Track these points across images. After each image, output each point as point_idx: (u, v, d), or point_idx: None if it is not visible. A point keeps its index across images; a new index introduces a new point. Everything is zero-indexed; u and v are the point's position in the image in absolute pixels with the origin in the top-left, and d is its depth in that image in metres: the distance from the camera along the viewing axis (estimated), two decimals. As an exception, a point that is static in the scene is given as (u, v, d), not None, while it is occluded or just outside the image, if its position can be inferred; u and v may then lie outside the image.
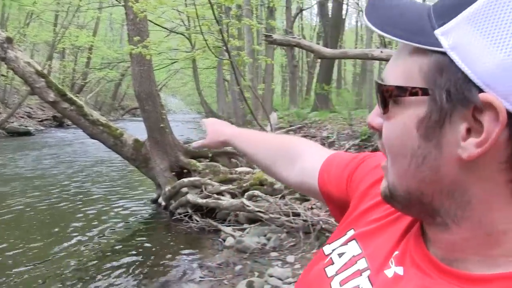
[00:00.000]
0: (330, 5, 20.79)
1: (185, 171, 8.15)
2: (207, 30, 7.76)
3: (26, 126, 21.82)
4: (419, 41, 0.48)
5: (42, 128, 23.58)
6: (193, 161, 8.18)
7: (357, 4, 18.93)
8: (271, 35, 7.34)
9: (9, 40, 6.92)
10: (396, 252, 0.61)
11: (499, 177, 0.47)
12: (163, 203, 7.65)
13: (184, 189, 7.42)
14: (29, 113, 24.71)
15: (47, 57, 25.21)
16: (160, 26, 11.32)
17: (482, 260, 0.50)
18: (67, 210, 7.66)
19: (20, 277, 4.83)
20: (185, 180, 7.52)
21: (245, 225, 6.31)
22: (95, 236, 6.32)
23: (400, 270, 0.58)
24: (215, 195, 7.00)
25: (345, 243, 0.70)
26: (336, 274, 0.67)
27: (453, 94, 0.46)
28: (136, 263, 5.31)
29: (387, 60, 6.88)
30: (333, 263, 0.69)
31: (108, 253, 5.66)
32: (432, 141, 0.49)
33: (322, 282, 0.68)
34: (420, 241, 0.58)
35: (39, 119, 24.89)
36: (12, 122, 21.34)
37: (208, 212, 6.90)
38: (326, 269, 0.69)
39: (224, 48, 6.65)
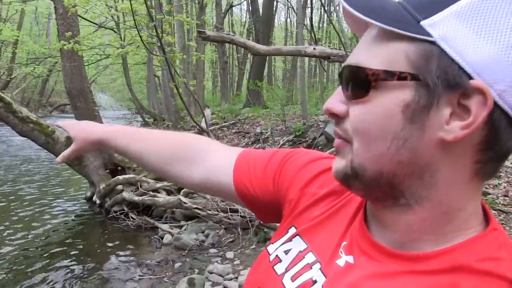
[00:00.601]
0: (260, 1, 21.03)
1: (119, 168, 8.04)
2: (140, 25, 7.67)
3: None
4: (406, 29, 0.51)
5: (-40, 125, 22.11)
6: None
7: (287, 0, 19.30)
8: (204, 32, 7.38)
9: None
10: (344, 243, 0.64)
11: (467, 159, 0.52)
12: (98, 201, 7.50)
13: (119, 187, 7.32)
14: None
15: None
16: (90, 21, 11.01)
17: (435, 238, 0.55)
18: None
19: None
20: (120, 177, 7.42)
21: (182, 222, 6.33)
22: (28, 237, 6.11)
23: (350, 259, 0.61)
24: (151, 193, 6.97)
25: (289, 240, 0.72)
26: (286, 271, 0.68)
27: (444, 80, 0.49)
28: (73, 264, 5.20)
29: (320, 57, 7.11)
30: (280, 261, 0.70)
31: (44, 254, 5.49)
32: (417, 124, 0.51)
33: (273, 280, 0.69)
34: (365, 229, 0.62)
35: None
36: None
37: (145, 209, 6.87)
38: (274, 267, 0.70)
39: (158, 44, 6.62)
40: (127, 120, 31.52)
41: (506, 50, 0.47)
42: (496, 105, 0.49)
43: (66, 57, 7.29)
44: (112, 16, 13.88)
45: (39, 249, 5.72)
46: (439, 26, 0.50)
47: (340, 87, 0.58)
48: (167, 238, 5.84)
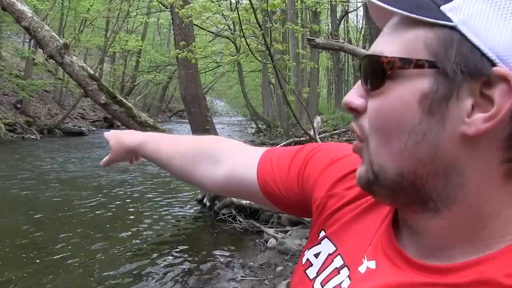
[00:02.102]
0: (377, 7, 20.48)
1: (229, 172, 8.32)
2: (250, 34, 7.90)
3: (79, 127, 22.80)
4: (426, 14, 0.47)
5: (94, 128, 24.50)
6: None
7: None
8: (314, 39, 7.37)
9: (65, 46, 7.28)
10: (370, 247, 0.61)
11: (495, 156, 0.46)
12: (208, 204, 7.83)
13: (228, 190, 7.56)
14: (82, 114, 25.73)
15: (99, 61, 26.19)
16: (206, 31, 11.58)
17: (468, 246, 0.50)
18: (115, 209, 7.96)
19: (72, 273, 5.09)
20: (229, 181, 7.67)
21: (288, 227, 6.38)
22: (142, 234, 6.56)
23: (372, 264, 0.58)
24: (259, 197, 7.10)
25: (318, 242, 0.69)
26: (317, 275, 0.66)
27: (464, 67, 0.45)
28: (181, 261, 5.49)
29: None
30: (311, 265, 0.68)
31: (156, 251, 5.86)
32: (436, 117, 0.47)
33: (305, 285, 0.67)
34: (391, 233, 0.58)
35: (91, 120, 25.89)
36: (67, 123, 22.31)
37: (252, 213, 7.01)
38: (306, 271, 0.68)
39: (267, 52, 6.76)
40: (242, 126, 32.56)
41: None
42: None
43: (182, 65, 7.74)
44: (228, 25, 14.46)
45: (152, 245, 6.11)
46: (460, 10, 0.45)
47: (359, 81, 0.55)
48: (272, 242, 5.91)
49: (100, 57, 26.60)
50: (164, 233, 6.77)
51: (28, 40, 21.03)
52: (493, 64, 0.44)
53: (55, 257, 5.44)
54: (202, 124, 8.08)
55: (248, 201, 7.02)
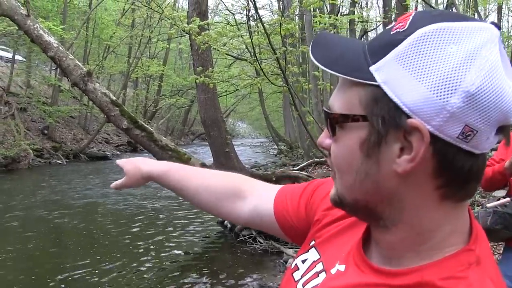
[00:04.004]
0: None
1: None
2: (268, 57, 8.05)
3: (104, 151, 23.24)
4: (357, 76, 0.58)
5: (118, 152, 24.92)
6: (258, 184, 8.40)
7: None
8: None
9: (89, 73, 7.55)
10: (343, 255, 0.73)
11: (428, 185, 0.58)
12: (229, 225, 7.90)
13: (248, 212, 7.62)
14: (107, 139, 26.21)
15: (122, 86, 26.75)
16: (226, 54, 11.80)
17: (415, 256, 0.61)
18: (137, 231, 8.10)
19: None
20: (249, 202, 7.73)
21: (307, 248, 6.39)
22: (165, 254, 6.68)
23: (342, 268, 0.70)
24: (278, 218, 7.14)
25: (307, 251, 0.82)
26: (301, 277, 0.78)
27: (387, 120, 0.56)
28: (202, 281, 5.56)
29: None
30: (298, 269, 0.80)
31: (176, 271, 5.95)
32: (372, 159, 0.59)
33: (290, 285, 0.79)
34: (360, 244, 0.70)
35: (115, 144, 26.35)
36: (92, 147, 22.77)
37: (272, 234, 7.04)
38: (293, 274, 0.80)
39: (282, 75, 6.89)
40: (264, 148, 32.62)
41: (433, 90, 0.53)
42: (437, 137, 0.54)
43: (201, 89, 7.93)
44: (247, 48, 14.68)
45: (174, 265, 6.22)
46: (382, 71, 0.56)
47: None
48: (290, 262, 5.92)
49: (123, 82, 27.18)
50: (186, 253, 6.87)
51: (54, 68, 21.65)
52: (409, 116, 0.55)
53: (77, 280, 5.56)
54: (222, 147, 8.21)
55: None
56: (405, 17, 0.58)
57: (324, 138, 0.66)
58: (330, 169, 0.68)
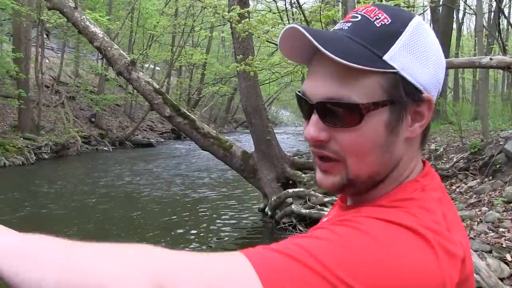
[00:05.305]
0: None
1: (290, 182, 8.40)
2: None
3: (148, 138, 23.80)
4: (377, 66, 0.66)
5: (162, 140, 25.48)
6: (299, 172, 8.41)
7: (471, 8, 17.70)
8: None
9: (132, 63, 7.71)
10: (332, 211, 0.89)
11: (419, 141, 0.75)
12: (269, 213, 7.94)
13: (289, 200, 7.65)
14: (151, 126, 26.79)
15: (166, 75, 27.15)
16: (267, 41, 11.75)
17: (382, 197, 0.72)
18: (178, 217, 8.27)
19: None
20: (290, 190, 7.76)
21: (347, 236, 6.35)
22: (206, 238, 6.82)
23: (330, 215, 0.86)
24: (319, 206, 7.14)
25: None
26: None
27: (407, 99, 0.69)
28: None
29: (498, 67, 6.51)
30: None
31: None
32: (394, 133, 0.70)
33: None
34: (342, 200, 0.84)
35: (160, 132, 26.90)
36: (137, 135, 23.36)
37: (312, 222, 7.03)
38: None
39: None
40: (306, 136, 32.40)
41: (434, 69, 0.71)
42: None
43: (242, 77, 7.95)
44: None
45: (214, 251, 6.30)
46: (396, 59, 0.67)
47: (314, 117, 0.70)
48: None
49: (167, 71, 27.58)
50: (226, 239, 6.97)
51: (101, 58, 22.23)
52: (421, 92, 0.70)
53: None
54: (263, 135, 8.23)
55: (307, 210, 7.07)
56: (368, 11, 0.70)
57: (319, 132, 0.70)
58: (323, 161, 0.73)
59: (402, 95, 0.68)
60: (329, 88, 0.68)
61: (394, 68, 0.66)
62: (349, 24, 0.70)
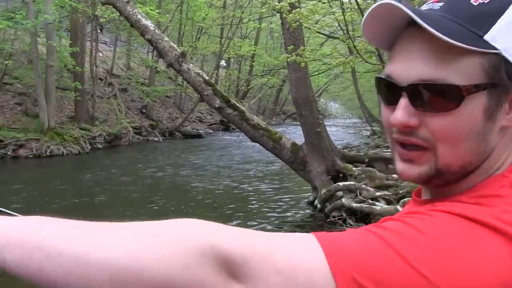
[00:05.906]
0: None
1: (341, 175, 8.26)
2: (360, 35, 7.78)
3: (197, 130, 24.15)
4: (478, 45, 0.60)
5: (211, 131, 25.75)
6: (349, 165, 8.25)
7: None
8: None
9: (182, 54, 7.77)
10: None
11: (511, 135, 0.67)
12: (319, 206, 7.84)
13: (339, 193, 7.52)
14: (200, 118, 27.13)
15: (215, 67, 27.36)
16: (318, 32, 11.61)
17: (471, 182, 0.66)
18: (226, 209, 8.32)
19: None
20: (341, 184, 7.63)
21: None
22: (255, 229, 6.79)
23: (406, 207, 0.79)
24: (370, 201, 6.98)
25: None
26: None
27: (509, 81, 0.62)
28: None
29: None
30: None
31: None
32: (491, 119, 0.63)
33: None
34: (418, 193, 0.78)
35: (208, 123, 27.21)
36: (186, 126, 23.71)
37: (363, 217, 6.90)
38: None
39: (377, 53, 6.61)
40: (357, 129, 31.99)
41: None
42: None
43: (292, 68, 7.85)
44: (340, 26, 14.34)
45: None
46: (499, 39, 0.61)
47: (403, 101, 0.64)
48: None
49: (216, 63, 27.77)
50: (274, 230, 6.93)
51: (151, 50, 22.62)
52: None
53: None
54: (313, 127, 8.11)
55: (358, 204, 6.92)
56: None
57: (407, 117, 0.64)
58: (408, 149, 0.67)
59: (504, 77, 0.62)
60: (424, 69, 0.62)
61: (497, 49, 0.61)
62: (440, 4, 0.65)
